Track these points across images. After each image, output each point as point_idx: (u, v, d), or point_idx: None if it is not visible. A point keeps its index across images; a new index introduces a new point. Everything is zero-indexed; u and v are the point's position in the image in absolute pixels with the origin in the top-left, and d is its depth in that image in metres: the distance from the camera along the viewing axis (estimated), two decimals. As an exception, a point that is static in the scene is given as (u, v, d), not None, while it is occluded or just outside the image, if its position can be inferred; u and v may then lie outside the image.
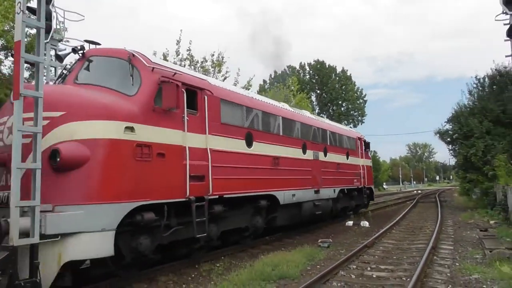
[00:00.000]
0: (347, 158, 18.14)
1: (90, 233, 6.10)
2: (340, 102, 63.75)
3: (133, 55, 7.78)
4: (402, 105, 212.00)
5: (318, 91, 64.22)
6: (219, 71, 26.83)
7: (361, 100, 64.79)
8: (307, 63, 64.76)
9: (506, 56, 10.01)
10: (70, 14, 10.77)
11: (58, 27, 9.15)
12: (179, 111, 8.03)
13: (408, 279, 7.33)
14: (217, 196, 8.92)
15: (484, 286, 7.00)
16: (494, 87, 22.12)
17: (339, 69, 64.25)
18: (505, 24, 9.47)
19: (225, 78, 26.63)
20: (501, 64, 21.93)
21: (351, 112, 64.06)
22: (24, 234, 5.06)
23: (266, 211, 11.61)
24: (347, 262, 9.16)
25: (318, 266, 9.10)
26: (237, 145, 10.01)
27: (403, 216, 19.46)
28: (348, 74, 64.60)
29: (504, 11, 9.37)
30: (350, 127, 60.54)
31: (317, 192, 14.32)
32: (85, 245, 6.07)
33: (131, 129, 6.90)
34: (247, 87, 28.33)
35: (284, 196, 11.87)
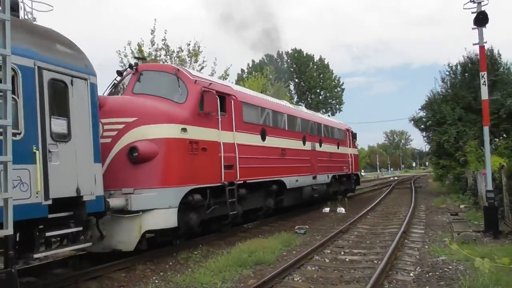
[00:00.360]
0: (338, 148, 20.58)
1: (161, 209, 8.24)
2: (318, 90, 64.13)
3: (178, 70, 10.02)
4: (380, 92, 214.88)
5: (296, 80, 64.46)
6: (196, 61, 26.62)
7: (338, 89, 65.33)
8: (285, 52, 64.84)
9: (474, 44, 10.29)
10: (38, 4, 10.52)
11: (25, 17, 8.96)
12: (215, 113, 10.11)
13: (379, 262, 7.58)
14: (242, 181, 11.02)
15: (450, 267, 7.30)
16: (466, 74, 22.68)
17: (316, 58, 64.54)
18: (472, 13, 9.72)
19: (202, 68, 26.47)
20: (472, 52, 22.47)
21: (329, 100, 64.58)
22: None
23: (275, 194, 13.59)
24: (321, 247, 9.40)
25: (294, 252, 9.32)
26: (255, 139, 12.21)
27: (378, 202, 19.93)
28: (326, 62, 64.99)
29: (472, 0, 9.63)
30: (328, 115, 61.36)
31: (314, 178, 16.53)
32: (157, 219, 8.23)
33: (185, 130, 9.00)
34: (225, 76, 28.18)
35: (289, 181, 14.01)
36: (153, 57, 24.65)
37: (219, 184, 10.04)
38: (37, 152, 5.90)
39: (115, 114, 8.48)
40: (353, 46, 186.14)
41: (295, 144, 15.10)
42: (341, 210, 16.78)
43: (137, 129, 8.47)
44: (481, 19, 9.57)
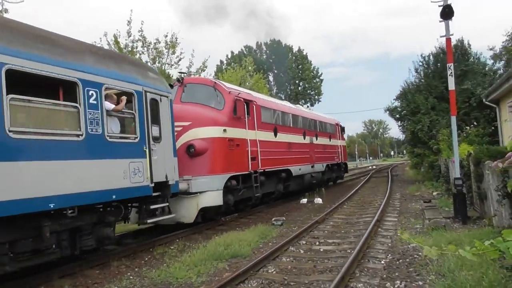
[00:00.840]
0: (330, 140, 23.87)
1: (211, 191, 11.09)
2: (297, 81, 64.45)
3: (215, 83, 13.04)
4: (359, 82, 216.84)
5: (276, 71, 64.57)
6: (173, 53, 26.40)
7: (317, 79, 65.78)
8: (264, 43, 64.81)
9: (441, 36, 10.52)
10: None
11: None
12: (243, 116, 12.92)
13: (352, 251, 7.77)
14: (262, 170, 13.92)
15: (420, 253, 7.53)
16: (438, 64, 23.08)
17: (295, 49, 64.73)
18: (439, 6, 9.93)
19: (179, 60, 26.27)
20: (444, 43, 22.88)
21: (308, 91, 64.98)
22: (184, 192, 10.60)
23: (284, 181, 16.53)
24: (297, 238, 9.55)
25: (270, 244, 9.44)
26: (270, 136, 15.24)
27: (355, 192, 20.24)
28: (305, 53, 65.24)
29: (439, -7, 9.84)
30: (308, 106, 61.74)
31: (312, 167, 19.73)
32: (209, 198, 11.06)
33: (225, 130, 11.88)
34: (203, 68, 28.05)
35: (295, 170, 17.04)
36: (129, 49, 24.36)
37: (247, 172, 13.00)
38: (146, 150, 8.69)
39: (175, 119, 10.52)
40: (332, 37, 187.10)
41: (298, 138, 18.33)
42: (318, 200, 16.99)
43: (191, 130, 11.36)
44: (447, 13, 9.79)
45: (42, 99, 6.69)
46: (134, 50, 24.45)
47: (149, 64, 23.80)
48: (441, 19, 9.99)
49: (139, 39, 24.78)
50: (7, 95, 5.90)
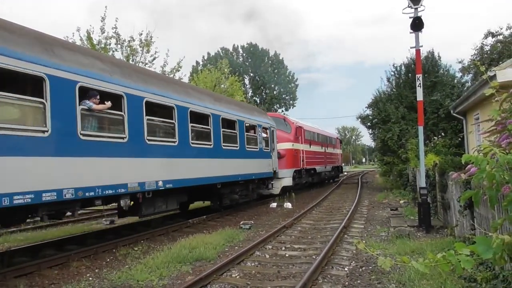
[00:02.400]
0: (334, 150, 34.43)
1: (287, 177, 20.33)
2: (272, 85, 64.65)
3: (285, 117, 23.78)
4: (333, 89, 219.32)
5: (251, 74, 64.59)
6: (148, 51, 26.05)
7: (292, 84, 66.15)
8: (241, 46, 64.73)
9: (411, 48, 10.72)
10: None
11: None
12: (299, 136, 22.53)
13: (317, 257, 7.77)
14: (304, 168, 23.24)
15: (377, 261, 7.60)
16: (409, 75, 23.57)
17: (271, 53, 64.96)
18: (410, 18, 10.12)
19: (154, 59, 25.95)
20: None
21: (283, 96, 65.30)
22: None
23: (312, 175, 26.07)
24: (263, 242, 9.51)
25: (236, 248, 9.37)
26: (308, 147, 24.36)
27: (325, 197, 20.42)
28: (281, 58, 65.56)
29: (409, 5, 10.02)
30: (282, 111, 62.03)
31: (325, 167, 30.03)
32: (286, 181, 20.37)
33: (292, 145, 21.33)
34: (177, 68, 27.75)
35: (318, 169, 27.06)
36: (102, 45, 23.89)
37: (300, 168, 22.35)
38: (272, 154, 18.02)
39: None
40: (309, 42, 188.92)
41: (319, 149, 27.97)
42: (288, 205, 17.04)
43: (279, 144, 19.88)
44: (417, 24, 9.99)
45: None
46: (108, 47, 23.99)
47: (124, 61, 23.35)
48: (411, 31, 10.18)
49: (113, 36, 24.38)
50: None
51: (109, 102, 8.39)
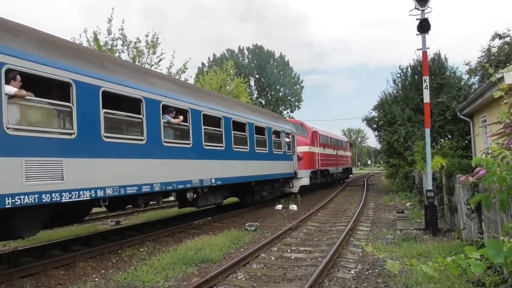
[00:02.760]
0: (344, 152, 36.78)
1: (305, 177, 22.25)
2: (278, 87, 64.66)
3: (302, 123, 24.99)
4: (338, 91, 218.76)
5: (257, 76, 64.62)
6: (154, 53, 26.13)
7: (298, 86, 66.11)
8: (246, 47, 64.79)
9: (418, 49, 10.67)
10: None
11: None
12: (314, 140, 24.76)
13: (323, 260, 7.74)
14: (320, 169, 25.73)
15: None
16: (416, 77, 23.47)
17: (277, 55, 64.96)
18: (417, 19, 10.07)
19: (160, 60, 26.03)
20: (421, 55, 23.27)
21: (288, 97, 65.25)
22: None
23: (325, 176, 28.19)
24: (269, 244, 9.49)
25: (241, 249, 9.35)
26: (322, 150, 26.39)
27: (330, 200, 20.35)
28: (286, 59, 65.55)
29: (416, 7, 9.97)
30: (288, 113, 62.01)
31: (337, 168, 32.06)
32: (304, 181, 22.28)
33: (309, 148, 23.53)
34: (183, 70, 27.82)
35: (331, 170, 29.31)
36: (109, 47, 24.00)
37: (316, 169, 24.41)
38: (293, 157, 20.49)
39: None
40: (314, 44, 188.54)
41: (331, 151, 30.09)
42: (293, 207, 17.00)
43: (297, 148, 21.53)
44: (424, 26, 9.93)
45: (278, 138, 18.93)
46: (114, 48, 24.09)
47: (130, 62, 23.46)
48: (418, 33, 10.13)
49: (119, 38, 24.48)
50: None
51: (181, 116, 10.77)
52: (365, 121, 25.88)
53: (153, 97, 9.66)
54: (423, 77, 10.68)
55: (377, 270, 7.28)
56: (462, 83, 23.75)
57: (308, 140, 23.59)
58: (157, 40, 25.83)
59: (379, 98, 25.04)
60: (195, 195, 11.91)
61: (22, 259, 8.18)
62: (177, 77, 25.94)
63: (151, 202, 11.02)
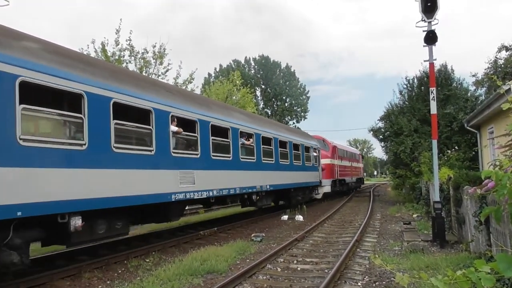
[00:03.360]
0: (357, 164, 41.29)
1: (327, 186, 26.42)
2: (284, 97, 64.81)
3: (324, 139, 29.22)
4: (344, 101, 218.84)
5: (263, 86, 64.85)
6: (161, 63, 26.36)
7: (304, 96, 66.23)
8: (252, 58, 65.14)
9: (425, 61, 10.67)
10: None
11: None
12: (334, 153, 29.09)
13: (329, 271, 7.68)
14: (339, 179, 29.79)
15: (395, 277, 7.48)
16: (422, 88, 23.44)
17: (283, 65, 65.24)
18: (424, 31, 10.09)
19: (167, 70, 26.25)
20: (428, 67, 23.25)
21: (294, 107, 65.35)
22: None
23: (342, 185, 31.29)
24: (275, 255, 9.44)
25: (247, 260, 9.30)
26: (339, 162, 30.57)
27: (336, 210, 20.24)
28: (292, 70, 65.82)
29: (423, 19, 10.00)
30: (293, 123, 62.02)
31: (351, 178, 35.69)
32: (326, 188, 26.39)
33: (331, 160, 27.90)
34: (190, 80, 28.01)
35: (347, 180, 33.16)
36: (116, 57, 24.23)
37: (335, 179, 28.14)
38: (319, 168, 24.53)
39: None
40: (320, 54, 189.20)
41: (347, 163, 34.25)
42: (299, 218, 16.92)
43: (321, 160, 25.75)
44: (431, 38, 9.95)
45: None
46: (121, 59, 24.32)
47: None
48: (425, 44, 10.15)
49: (127, 48, 24.73)
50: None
51: (251, 139, 15.05)
52: (372, 132, 25.83)
53: (235, 126, 13.68)
54: (430, 89, 10.66)
55: (384, 283, 7.22)
56: (469, 94, 23.68)
57: (329, 153, 27.94)
58: (164, 51, 26.10)
59: (386, 108, 25.02)
60: (257, 197, 15.60)
61: (28, 270, 8.18)
62: (184, 87, 26.10)
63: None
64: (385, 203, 24.98)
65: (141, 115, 9.33)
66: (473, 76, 28.53)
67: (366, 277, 7.62)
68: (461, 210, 9.75)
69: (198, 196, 10.95)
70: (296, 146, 20.42)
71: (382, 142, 26.21)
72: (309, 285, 7.12)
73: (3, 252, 6.28)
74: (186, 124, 10.98)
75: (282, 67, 65.14)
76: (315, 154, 23.92)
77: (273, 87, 63.44)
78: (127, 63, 24.83)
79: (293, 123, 63.67)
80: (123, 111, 8.66)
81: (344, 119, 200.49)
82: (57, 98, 7.52)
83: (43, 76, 6.75)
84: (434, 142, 10.81)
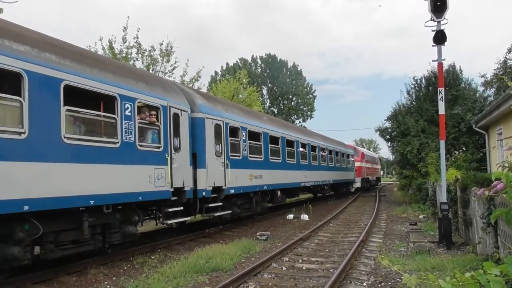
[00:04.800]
0: (376, 165, 51.61)
1: (358, 182, 36.00)
2: (290, 96, 64.64)
3: (355, 147, 40.65)
4: (351, 101, 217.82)
5: (270, 85, 64.72)
6: (168, 61, 26.39)
7: (310, 96, 66.01)
8: (259, 57, 65.04)
9: (433, 61, 10.60)
10: (4, -4, 10.30)
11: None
12: (362, 158, 38.67)
13: (335, 271, 7.66)
14: (364, 177, 39.42)
15: (402, 277, 7.44)
16: (430, 88, 23.30)
17: (290, 64, 65.09)
18: (433, 31, 10.01)
19: (174, 68, 26.26)
20: (436, 67, 23.10)
21: (301, 107, 65.16)
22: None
23: (366, 182, 40.43)
24: (280, 254, 9.43)
25: (252, 259, 9.31)
26: (365, 164, 40.10)
27: (342, 210, 20.19)
28: (299, 69, 65.63)
29: (432, 18, 9.92)
30: (300, 122, 61.94)
31: (373, 177, 45.62)
32: (357, 184, 35.94)
33: (360, 163, 37.27)
34: (196, 78, 28.02)
35: (370, 178, 43.21)
36: (124, 55, 24.30)
37: (363, 177, 37.53)
38: (353, 169, 36.58)
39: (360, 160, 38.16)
40: (327, 54, 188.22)
41: (370, 165, 43.66)
42: (305, 217, 16.90)
43: (355, 163, 36.31)
44: (440, 38, 9.87)
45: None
46: (129, 56, 24.38)
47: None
48: (434, 44, 10.07)
49: (134, 46, 24.77)
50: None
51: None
52: (378, 132, 25.72)
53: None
54: (439, 89, 10.58)
55: (390, 283, 7.19)
56: (477, 95, 23.50)
57: (359, 158, 37.35)
58: (171, 49, 26.13)
59: (393, 108, 24.90)
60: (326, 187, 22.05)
61: (35, 265, 8.23)
62: (190, 85, 26.14)
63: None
64: (391, 204, 24.87)
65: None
66: (482, 76, 28.24)
67: (372, 277, 7.60)
68: (468, 211, 9.68)
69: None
70: (342, 154, 31.01)
71: (389, 142, 26.10)
72: (314, 284, 7.11)
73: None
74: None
75: (288, 66, 64.98)
76: (352, 159, 34.56)
77: (280, 86, 63.25)
78: (134, 60, 24.89)
79: (299, 122, 63.53)
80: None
81: (350, 118, 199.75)
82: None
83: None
84: (442, 143, 10.73)
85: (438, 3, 9.85)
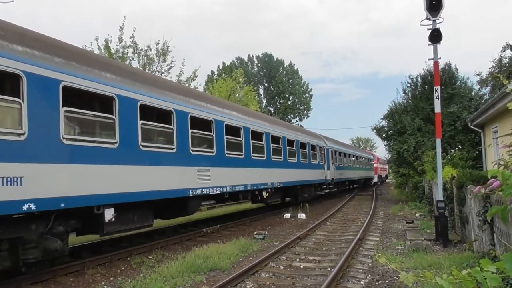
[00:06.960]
0: (384, 166, 63.15)
1: (376, 179, 55.07)
2: (287, 95, 64.67)
3: (373, 154, 60.53)
4: (347, 100, 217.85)
5: (266, 84, 64.73)
6: (164, 60, 26.36)
7: (307, 95, 66.06)
8: (255, 56, 65.04)
9: (429, 59, 10.63)
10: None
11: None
12: (376, 161, 56.48)
13: (332, 270, 7.68)
14: (378, 175, 58.17)
15: (399, 275, 7.47)
16: (426, 86, 23.35)
17: (286, 63, 65.13)
18: (428, 29, 10.04)
19: (170, 68, 26.24)
20: (432, 65, 23.17)
21: (297, 106, 65.22)
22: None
23: (380, 178, 59.62)
24: (278, 253, 9.45)
25: (250, 258, 9.32)
26: (378, 165, 57.35)
27: (339, 209, 20.23)
28: (295, 68, 65.66)
29: (428, 17, 9.95)
30: (296, 121, 62.02)
31: (383, 175, 63.43)
32: (375, 180, 54.15)
33: (376, 164, 55.27)
34: (193, 78, 28.00)
35: (375, 177, 54.99)
36: (120, 54, 24.25)
37: (378, 175, 56.55)
38: (372, 169, 51.92)
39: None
40: (323, 53, 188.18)
41: (381, 166, 60.10)
42: (302, 216, 16.92)
43: (374, 163, 53.99)
44: (435, 36, 9.90)
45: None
46: (125, 56, 24.34)
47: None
48: (430, 43, 10.10)
49: (130, 45, 24.74)
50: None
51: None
52: (375, 130, 25.77)
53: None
54: (434, 87, 10.62)
55: (387, 281, 7.21)
56: (473, 93, 23.58)
57: (375, 161, 51.39)
58: (168, 48, 26.09)
59: (389, 107, 24.94)
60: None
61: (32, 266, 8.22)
62: (187, 84, 26.11)
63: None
64: (388, 202, 24.94)
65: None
66: (477, 75, 28.42)
67: (369, 275, 7.62)
68: (465, 209, 9.73)
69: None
70: (366, 159, 43.90)
71: (385, 141, 26.12)
72: (312, 283, 7.12)
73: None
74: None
75: (285, 65, 65.02)
76: (372, 162, 48.16)
77: (276, 85, 63.29)
78: (130, 60, 24.86)
79: (296, 121, 63.61)
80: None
81: (347, 117, 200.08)
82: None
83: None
84: (438, 141, 10.77)
85: (434, 2, 9.88)
